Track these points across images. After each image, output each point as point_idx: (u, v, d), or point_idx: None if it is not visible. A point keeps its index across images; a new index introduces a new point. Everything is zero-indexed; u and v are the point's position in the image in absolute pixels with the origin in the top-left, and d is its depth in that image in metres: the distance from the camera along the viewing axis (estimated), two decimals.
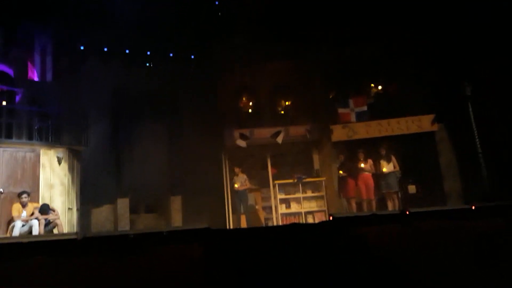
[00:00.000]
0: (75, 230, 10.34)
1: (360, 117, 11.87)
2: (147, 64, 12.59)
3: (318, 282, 3.60)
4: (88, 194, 11.50)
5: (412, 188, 11.45)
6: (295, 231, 4.31)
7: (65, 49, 11.45)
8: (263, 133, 12.41)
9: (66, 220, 10.10)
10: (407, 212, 4.60)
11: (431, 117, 11.63)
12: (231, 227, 11.74)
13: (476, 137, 9.39)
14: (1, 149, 9.66)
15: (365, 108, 11.92)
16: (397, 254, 3.98)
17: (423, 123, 11.67)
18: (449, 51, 11.01)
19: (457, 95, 10.04)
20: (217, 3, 11.75)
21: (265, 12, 11.07)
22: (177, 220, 12.37)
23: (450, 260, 3.92)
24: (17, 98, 10.68)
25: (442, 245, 4.06)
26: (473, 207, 4.81)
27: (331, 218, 4.53)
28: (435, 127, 11.65)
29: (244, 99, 13.20)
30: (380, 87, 12.48)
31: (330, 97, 12.63)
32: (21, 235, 8.33)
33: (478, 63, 10.30)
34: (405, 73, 11.70)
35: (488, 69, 10.13)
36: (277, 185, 12.21)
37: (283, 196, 12.16)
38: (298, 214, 12.05)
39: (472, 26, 10.05)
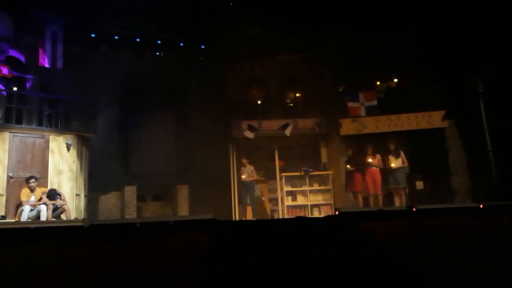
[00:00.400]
0: (82, 216, 10.46)
1: (370, 111, 11.80)
2: (157, 53, 12.60)
3: (322, 277, 3.61)
4: (96, 180, 11.63)
5: (420, 184, 11.36)
6: (300, 224, 4.29)
7: (76, 37, 11.50)
8: (271, 125, 12.40)
9: (74, 206, 10.22)
10: (414, 209, 4.55)
11: (441, 113, 11.53)
12: (237, 217, 11.77)
13: (487, 134, 9.28)
14: (11, 134, 9.77)
15: (375, 102, 11.83)
16: (403, 250, 3.96)
17: (433, 119, 11.59)
18: (461, 47, 10.87)
19: (468, 92, 9.92)
20: None
21: (276, 3, 10.99)
22: (183, 209, 12.46)
23: (457, 258, 3.90)
24: (28, 84, 10.75)
25: (449, 243, 4.03)
26: (481, 206, 4.75)
27: (337, 212, 4.50)
28: (445, 124, 11.56)
29: (253, 90, 13.17)
30: (392, 81, 12.37)
31: (340, 90, 12.57)
32: (29, 220, 8.44)
33: (490, 60, 10.16)
34: (416, 68, 11.59)
35: (499, 66, 9.99)
36: (284, 177, 12.21)
37: (289, 189, 12.17)
38: (304, 206, 12.06)
39: (484, 23, 9.90)
